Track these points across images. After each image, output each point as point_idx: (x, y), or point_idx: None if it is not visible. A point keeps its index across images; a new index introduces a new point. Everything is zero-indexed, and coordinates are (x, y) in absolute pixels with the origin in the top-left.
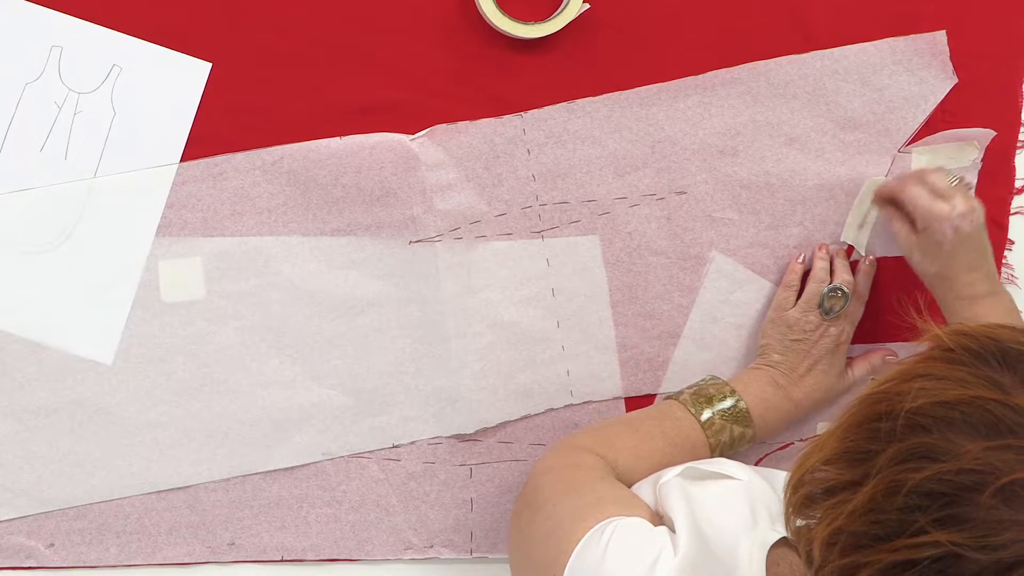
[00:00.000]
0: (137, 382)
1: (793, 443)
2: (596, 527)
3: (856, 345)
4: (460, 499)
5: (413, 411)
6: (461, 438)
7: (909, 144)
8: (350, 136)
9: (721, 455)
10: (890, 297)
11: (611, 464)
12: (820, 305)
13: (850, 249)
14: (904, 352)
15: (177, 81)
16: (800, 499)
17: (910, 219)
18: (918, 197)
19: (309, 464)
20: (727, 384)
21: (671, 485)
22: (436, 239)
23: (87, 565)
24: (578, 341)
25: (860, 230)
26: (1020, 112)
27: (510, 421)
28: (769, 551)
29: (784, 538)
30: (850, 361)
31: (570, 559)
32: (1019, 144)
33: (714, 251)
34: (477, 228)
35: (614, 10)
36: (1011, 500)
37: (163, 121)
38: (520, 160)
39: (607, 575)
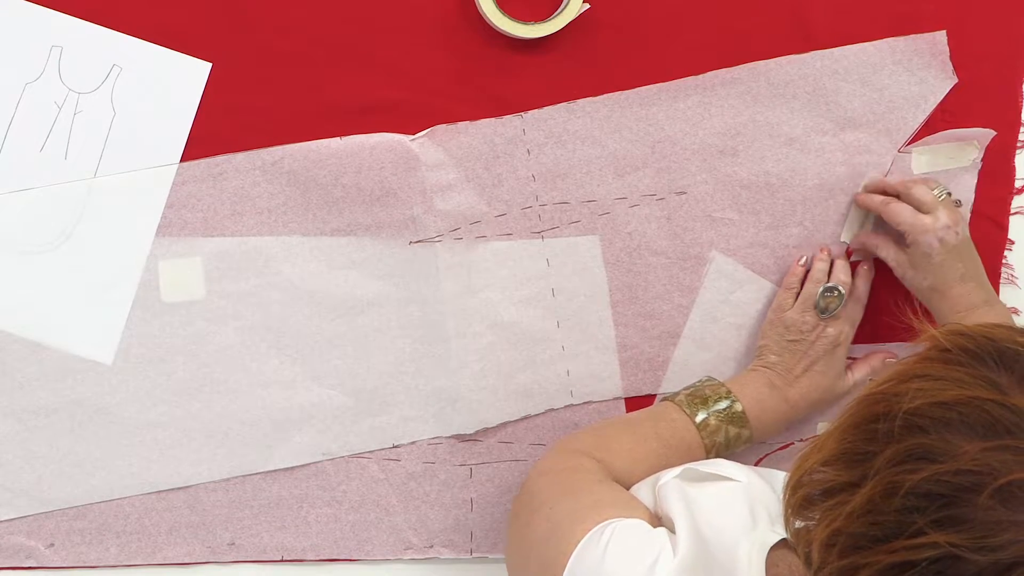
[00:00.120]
0: (137, 382)
1: (793, 443)
2: (595, 528)
3: (857, 345)
4: (460, 499)
5: (413, 411)
6: (461, 438)
7: (909, 144)
8: (350, 136)
9: (717, 456)
10: (890, 298)
11: (608, 467)
12: (816, 305)
13: (850, 249)
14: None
15: (177, 81)
16: (799, 500)
17: (895, 236)
18: (901, 212)
19: (309, 464)
20: (723, 385)
21: (670, 487)
22: (436, 239)
23: (87, 565)
24: (578, 341)
25: (860, 230)
26: (1020, 112)
27: (510, 421)
28: (768, 552)
29: (783, 539)
30: (851, 363)
31: (569, 560)
32: (1019, 144)
33: (714, 251)
34: (477, 228)
35: (614, 10)
36: (1009, 501)
37: (163, 121)
38: (520, 160)
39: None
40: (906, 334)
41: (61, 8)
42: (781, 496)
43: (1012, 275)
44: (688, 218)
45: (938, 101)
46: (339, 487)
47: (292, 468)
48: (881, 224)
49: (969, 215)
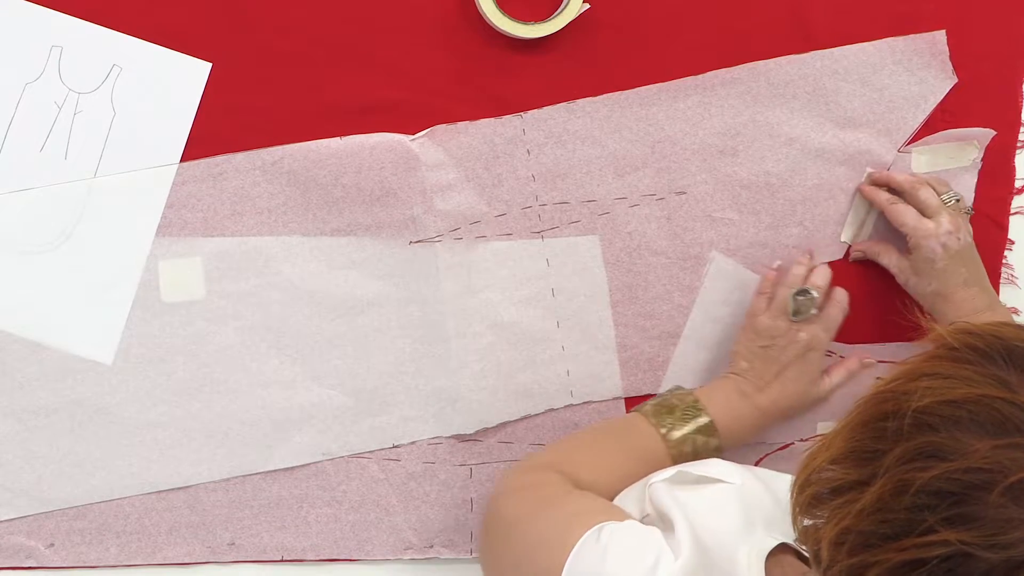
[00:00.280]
0: (137, 382)
1: (793, 443)
2: (588, 533)
3: (858, 345)
4: (460, 499)
5: (413, 411)
6: (461, 438)
7: (909, 144)
8: (350, 136)
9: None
10: (891, 297)
11: (573, 479)
12: (788, 309)
13: (850, 249)
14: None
15: (177, 81)
16: (807, 499)
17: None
18: (904, 214)
19: (309, 464)
20: (690, 394)
21: (662, 489)
22: (436, 239)
23: (87, 565)
24: (578, 341)
25: (860, 230)
26: (1020, 112)
27: (510, 421)
28: (767, 557)
29: (781, 544)
30: (828, 368)
31: (565, 566)
32: (1019, 144)
33: (714, 251)
34: (477, 228)
35: (614, 10)
36: (1020, 498)
37: (163, 121)
38: (520, 160)
39: None
40: (912, 333)
41: (61, 8)
42: (788, 495)
43: (1012, 275)
44: (688, 218)
45: (938, 101)
46: (339, 487)
47: (292, 468)
48: (881, 223)
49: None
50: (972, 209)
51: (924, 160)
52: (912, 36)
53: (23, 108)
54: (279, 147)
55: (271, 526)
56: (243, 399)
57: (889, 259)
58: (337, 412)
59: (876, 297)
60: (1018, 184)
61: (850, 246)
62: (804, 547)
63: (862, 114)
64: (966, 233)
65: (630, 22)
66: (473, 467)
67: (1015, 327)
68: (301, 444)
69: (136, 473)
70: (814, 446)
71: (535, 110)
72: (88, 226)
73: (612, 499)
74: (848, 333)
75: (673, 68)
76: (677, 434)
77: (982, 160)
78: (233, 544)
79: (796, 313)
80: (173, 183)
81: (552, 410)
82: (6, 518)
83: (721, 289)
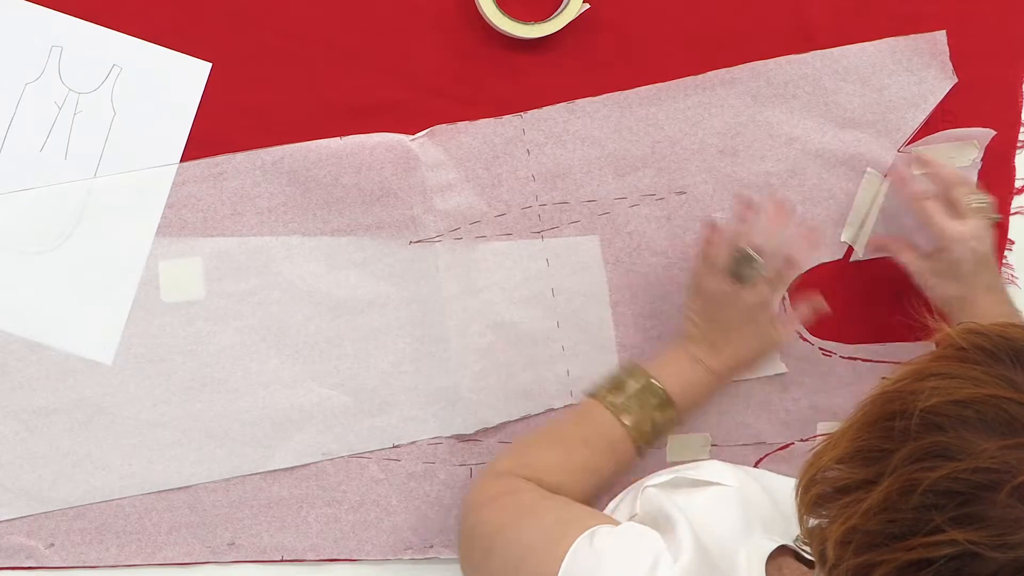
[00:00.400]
0: (137, 382)
1: (793, 443)
2: (581, 538)
3: (860, 346)
4: (460, 499)
5: (413, 411)
6: (461, 438)
7: (909, 144)
8: (350, 136)
9: (647, 446)
10: (891, 297)
11: (537, 483)
12: (730, 272)
13: (850, 249)
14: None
15: (177, 81)
16: (812, 498)
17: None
18: (934, 214)
19: (309, 464)
20: (638, 366)
21: (656, 494)
22: (436, 239)
23: (87, 565)
24: (578, 341)
25: (860, 230)
26: (1020, 112)
27: (510, 421)
28: (767, 560)
29: (781, 546)
30: (780, 315)
31: (559, 572)
32: (1019, 144)
33: None
34: (477, 228)
35: (614, 10)
36: None
37: (163, 121)
38: (520, 160)
39: None
40: (919, 333)
41: (61, 8)
42: (787, 496)
43: (1012, 275)
44: (688, 218)
45: (938, 101)
46: (339, 487)
47: (292, 468)
48: (881, 224)
49: None
50: (999, 215)
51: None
52: (912, 36)
53: (23, 108)
54: (279, 147)
55: (271, 526)
56: (243, 399)
57: (908, 258)
58: (337, 412)
59: (876, 297)
60: (1018, 184)
61: (850, 246)
62: (807, 547)
63: (862, 114)
64: (992, 237)
65: (630, 22)
66: (473, 467)
67: (1022, 328)
68: (301, 444)
69: (136, 473)
70: (819, 445)
71: (535, 110)
72: (88, 226)
73: (583, 497)
74: (849, 333)
75: (673, 68)
76: (634, 416)
77: (982, 160)
78: (233, 544)
79: (739, 278)
80: (173, 183)
81: (552, 410)
82: (6, 518)
83: None
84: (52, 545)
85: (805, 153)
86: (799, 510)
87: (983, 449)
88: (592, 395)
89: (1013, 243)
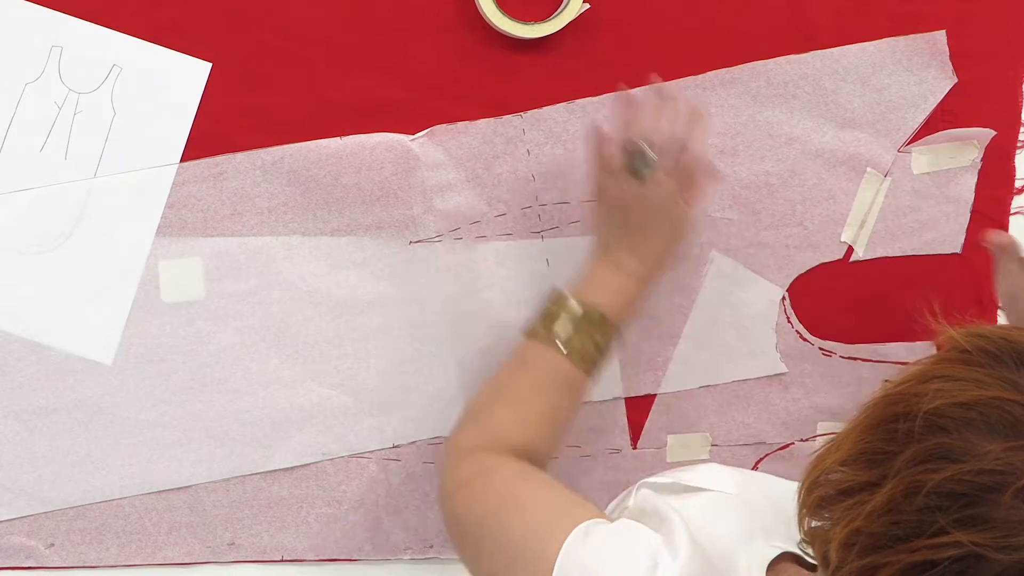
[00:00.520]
0: (137, 382)
1: (794, 443)
2: (573, 535)
3: (860, 346)
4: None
5: (413, 411)
6: None
7: (909, 144)
8: (350, 136)
9: (598, 370)
10: (893, 297)
11: (508, 449)
12: (628, 170)
13: (850, 249)
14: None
15: (177, 81)
16: (815, 500)
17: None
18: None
19: (309, 464)
20: (563, 293)
21: (651, 495)
22: (436, 239)
23: (87, 565)
24: None
25: (860, 230)
26: (1020, 112)
27: None
28: (768, 566)
29: (783, 553)
30: (686, 194)
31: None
32: (1019, 144)
33: (714, 251)
34: (477, 228)
35: (614, 10)
36: None
37: (163, 121)
38: (520, 160)
39: None
40: (922, 333)
41: (61, 8)
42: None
43: None
44: None
45: (938, 101)
46: (339, 487)
47: (292, 468)
48: (882, 224)
49: (969, 215)
50: None
51: (924, 160)
52: (912, 36)
53: (23, 108)
54: (279, 147)
55: (271, 526)
56: (243, 399)
57: (1008, 268)
58: (337, 412)
59: (876, 297)
60: (1018, 184)
61: (850, 246)
62: (810, 550)
63: (862, 114)
64: None
65: (630, 22)
66: None
67: None
68: (301, 444)
69: (136, 473)
70: (823, 448)
71: (535, 110)
72: (88, 226)
73: (551, 444)
74: (849, 333)
75: (673, 68)
76: (575, 345)
77: (982, 160)
78: (233, 544)
79: (637, 174)
80: (173, 183)
81: None
82: (6, 518)
83: (721, 289)
84: (52, 545)
85: (805, 153)
86: (802, 512)
87: (987, 451)
88: (528, 335)
89: None
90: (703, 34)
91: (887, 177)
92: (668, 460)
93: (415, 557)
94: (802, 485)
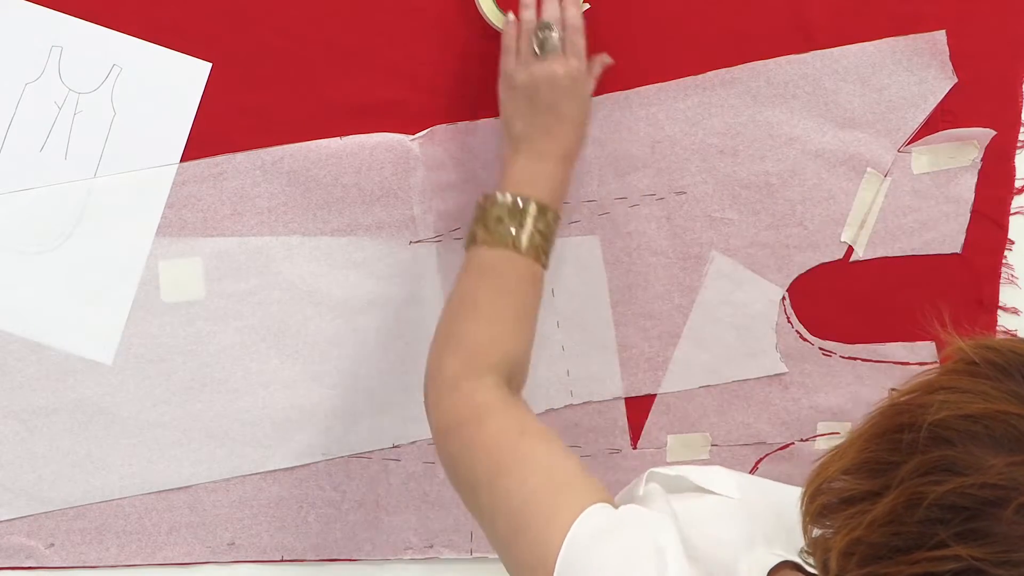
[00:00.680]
0: (137, 382)
1: (794, 443)
2: (577, 523)
3: (860, 346)
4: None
5: (413, 411)
6: None
7: (909, 144)
8: (350, 136)
9: (548, 258)
10: (893, 298)
11: (489, 370)
12: (532, 50)
13: (850, 249)
14: (906, 353)
15: (177, 81)
16: (817, 508)
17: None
18: None
19: (309, 464)
20: (493, 193)
21: (658, 492)
22: (436, 239)
23: (87, 565)
24: (578, 341)
25: (860, 230)
26: (1020, 112)
27: None
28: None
29: (783, 561)
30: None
31: (556, 565)
32: (1019, 144)
33: (714, 251)
34: None
35: (614, 10)
36: None
37: (163, 121)
38: None
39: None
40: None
41: (61, 8)
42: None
43: (1012, 275)
44: (688, 218)
45: (938, 101)
46: (339, 487)
47: (292, 468)
48: (882, 223)
49: (969, 215)
50: None
51: (924, 160)
52: (912, 36)
53: (23, 108)
54: (279, 147)
55: (271, 526)
56: (243, 399)
57: None
58: (337, 412)
59: (876, 297)
60: (1018, 184)
61: (850, 246)
62: (811, 558)
63: (862, 114)
64: None
65: (630, 22)
66: None
67: None
68: (301, 444)
69: (136, 473)
70: (825, 456)
71: None
72: (88, 226)
73: (527, 341)
74: (849, 333)
75: (673, 68)
76: (524, 240)
77: (982, 160)
78: (233, 544)
79: (542, 48)
80: (173, 183)
81: (552, 410)
82: (6, 518)
83: (721, 289)
84: (52, 545)
85: (805, 153)
86: (804, 520)
87: (991, 465)
88: (472, 242)
89: (1013, 243)
90: (703, 34)
91: (887, 177)
92: (668, 460)
93: (415, 557)
94: (805, 493)
